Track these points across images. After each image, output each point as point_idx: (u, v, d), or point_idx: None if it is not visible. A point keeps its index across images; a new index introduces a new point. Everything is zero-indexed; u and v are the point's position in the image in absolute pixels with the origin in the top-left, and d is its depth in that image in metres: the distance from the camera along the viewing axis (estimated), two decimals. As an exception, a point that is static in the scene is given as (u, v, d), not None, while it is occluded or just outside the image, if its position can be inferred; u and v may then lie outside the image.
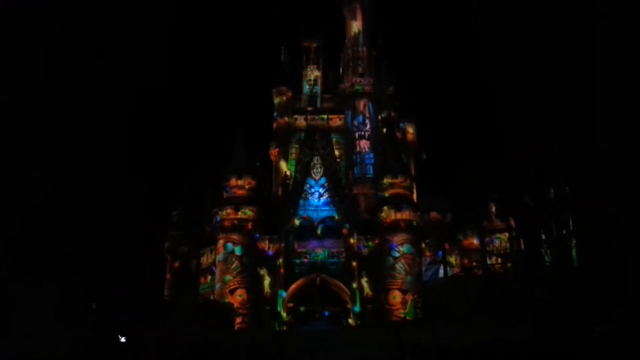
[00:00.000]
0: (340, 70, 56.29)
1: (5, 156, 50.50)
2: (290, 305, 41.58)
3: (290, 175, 50.55)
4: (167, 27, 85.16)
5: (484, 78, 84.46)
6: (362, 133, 51.83)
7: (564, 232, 41.95)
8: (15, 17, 59.13)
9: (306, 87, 55.91)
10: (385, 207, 43.15)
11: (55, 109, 67.81)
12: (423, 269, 43.49)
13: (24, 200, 53.03)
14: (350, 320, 40.79)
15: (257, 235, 43.48)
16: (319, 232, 43.70)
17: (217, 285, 42.23)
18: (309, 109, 54.66)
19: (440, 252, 45.21)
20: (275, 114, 54.61)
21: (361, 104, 52.78)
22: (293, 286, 41.96)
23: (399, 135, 52.34)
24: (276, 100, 54.87)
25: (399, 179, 44.17)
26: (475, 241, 47.69)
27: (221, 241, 43.16)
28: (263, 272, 42.30)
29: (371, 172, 49.64)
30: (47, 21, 64.62)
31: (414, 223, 43.06)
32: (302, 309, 41.33)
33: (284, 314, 40.91)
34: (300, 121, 54.05)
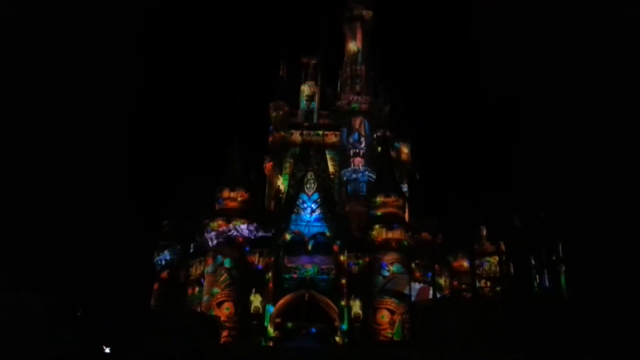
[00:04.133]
0: (338, 87, 56.59)
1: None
2: (278, 320, 41.16)
3: (284, 189, 50.48)
4: (167, 37, 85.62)
5: (483, 101, 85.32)
6: (357, 150, 51.89)
7: (554, 258, 41.94)
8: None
9: (303, 103, 56.15)
10: (377, 226, 43.10)
11: (45, 111, 67.82)
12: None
13: (10, 205, 52.65)
14: (337, 338, 40.38)
15: (248, 248, 43.23)
16: (309, 247, 43.38)
17: (205, 298, 41.82)
18: (305, 124, 54.85)
19: (430, 273, 45.03)
20: (271, 127, 54.69)
21: (357, 121, 52.94)
22: (281, 301, 41.57)
23: (393, 154, 52.45)
24: (273, 114, 55.04)
25: (392, 198, 44.22)
26: (466, 263, 47.56)
27: (211, 253, 42.88)
28: (255, 295, 41.36)
29: (364, 190, 49.63)
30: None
31: (405, 243, 43.02)
32: (289, 324, 40.88)
33: (270, 329, 40.46)
34: (296, 136, 54.20)
